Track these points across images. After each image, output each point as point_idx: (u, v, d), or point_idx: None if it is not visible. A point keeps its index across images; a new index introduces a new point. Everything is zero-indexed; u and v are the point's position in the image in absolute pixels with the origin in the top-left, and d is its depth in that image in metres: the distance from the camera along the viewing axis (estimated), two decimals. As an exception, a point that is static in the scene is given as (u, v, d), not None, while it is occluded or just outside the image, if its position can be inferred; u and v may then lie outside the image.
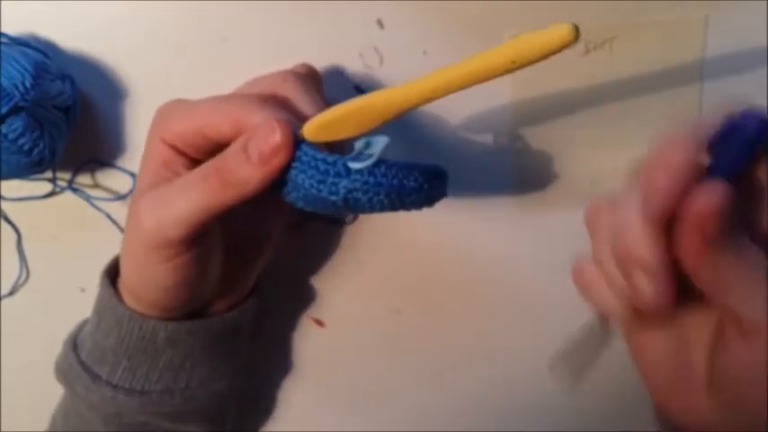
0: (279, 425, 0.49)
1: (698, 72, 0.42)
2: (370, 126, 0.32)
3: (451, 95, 0.30)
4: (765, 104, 0.42)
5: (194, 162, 0.35)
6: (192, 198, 0.32)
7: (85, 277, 0.45)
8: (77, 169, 0.43)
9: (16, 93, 0.35)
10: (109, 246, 0.42)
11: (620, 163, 0.43)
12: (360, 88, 0.42)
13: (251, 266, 0.40)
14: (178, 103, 0.35)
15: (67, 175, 0.43)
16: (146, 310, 0.37)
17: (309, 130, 0.32)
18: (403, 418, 0.49)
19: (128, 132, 0.42)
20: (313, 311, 0.47)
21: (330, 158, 0.31)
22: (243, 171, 0.31)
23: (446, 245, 0.45)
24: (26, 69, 0.36)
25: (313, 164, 0.31)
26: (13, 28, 0.39)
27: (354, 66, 0.42)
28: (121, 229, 0.43)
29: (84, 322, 0.41)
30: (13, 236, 0.44)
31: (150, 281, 0.35)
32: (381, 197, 0.31)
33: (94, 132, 0.42)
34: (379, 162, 0.31)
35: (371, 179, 0.31)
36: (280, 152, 0.31)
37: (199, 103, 0.34)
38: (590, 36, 0.41)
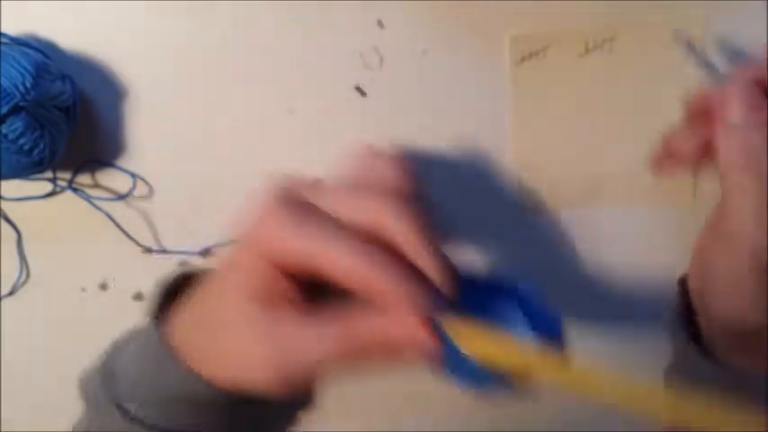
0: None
1: (698, 72, 0.42)
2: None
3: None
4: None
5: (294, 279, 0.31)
6: (324, 355, 0.30)
7: (85, 277, 0.45)
8: (77, 169, 0.43)
9: (16, 93, 0.35)
10: (109, 246, 0.42)
11: (620, 163, 0.44)
12: (360, 88, 0.42)
13: None
14: (279, 217, 0.29)
15: (68, 175, 0.43)
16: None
17: (470, 349, 0.30)
18: (403, 417, 0.49)
19: (128, 132, 0.42)
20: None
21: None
22: (378, 354, 0.31)
23: (446, 245, 0.45)
24: (26, 69, 0.36)
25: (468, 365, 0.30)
26: (13, 28, 0.39)
27: (354, 66, 0.42)
28: (122, 229, 0.43)
29: (117, 347, 0.37)
30: (13, 236, 0.44)
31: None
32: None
33: (94, 132, 0.42)
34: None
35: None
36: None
37: (311, 228, 0.29)
38: (590, 36, 0.41)
